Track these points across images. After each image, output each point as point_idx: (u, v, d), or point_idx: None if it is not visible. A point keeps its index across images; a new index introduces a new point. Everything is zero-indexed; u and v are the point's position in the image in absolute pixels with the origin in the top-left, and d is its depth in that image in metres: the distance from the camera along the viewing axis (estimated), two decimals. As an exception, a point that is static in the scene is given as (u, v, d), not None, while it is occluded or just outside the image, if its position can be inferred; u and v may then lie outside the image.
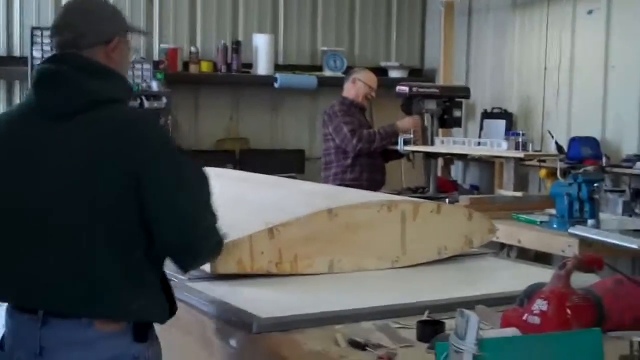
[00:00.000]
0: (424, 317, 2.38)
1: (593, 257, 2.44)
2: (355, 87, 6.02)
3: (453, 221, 3.24)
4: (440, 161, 6.54)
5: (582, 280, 2.44)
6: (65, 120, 2.23)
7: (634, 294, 2.36)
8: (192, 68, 6.97)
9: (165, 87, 6.55)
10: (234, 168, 6.30)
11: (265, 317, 2.35)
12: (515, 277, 2.84)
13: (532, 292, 2.32)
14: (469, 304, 2.38)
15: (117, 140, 2.20)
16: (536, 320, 2.21)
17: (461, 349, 1.84)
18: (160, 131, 2.37)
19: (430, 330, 2.18)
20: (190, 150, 6.77)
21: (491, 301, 2.50)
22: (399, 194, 5.57)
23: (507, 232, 4.75)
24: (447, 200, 5.18)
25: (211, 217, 2.34)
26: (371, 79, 6.13)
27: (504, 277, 3.00)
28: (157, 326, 2.34)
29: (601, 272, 2.42)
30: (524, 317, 2.24)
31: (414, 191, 6.10)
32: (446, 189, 6.17)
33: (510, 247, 4.96)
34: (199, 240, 2.32)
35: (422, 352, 2.09)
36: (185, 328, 2.65)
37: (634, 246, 3.89)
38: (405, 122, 6.04)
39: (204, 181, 2.33)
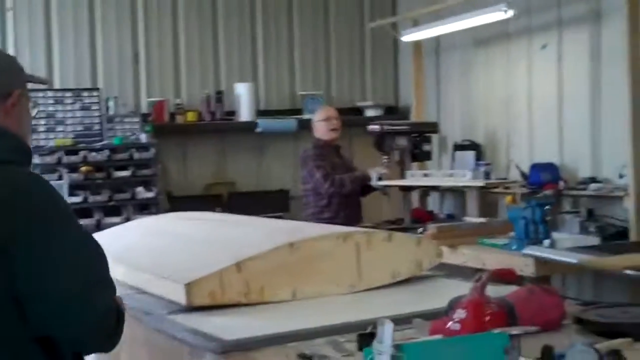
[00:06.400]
0: (367, 331, 2.77)
1: (505, 270, 2.85)
2: (318, 130, 6.35)
3: (403, 248, 3.62)
4: (416, 193, 6.93)
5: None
6: None
7: (543, 300, 2.75)
8: (179, 118, 7.38)
9: (153, 138, 6.95)
10: (223, 211, 6.65)
11: (228, 339, 2.74)
12: (458, 294, 3.22)
13: (454, 303, 2.72)
14: (409, 318, 2.78)
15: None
16: (457, 327, 2.59)
17: (381, 352, 2.24)
18: (42, 198, 2.03)
19: (368, 341, 2.56)
20: (180, 196, 7.19)
21: (430, 315, 2.85)
22: (377, 226, 5.95)
23: (472, 256, 5.12)
24: (420, 229, 5.57)
25: (99, 297, 2.05)
26: (323, 113, 6.39)
27: (448, 295, 3.38)
28: (140, 354, 2.54)
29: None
30: (447, 325, 2.63)
31: (392, 223, 6.46)
32: (422, 219, 6.53)
33: (479, 270, 5.31)
34: (75, 323, 2.01)
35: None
36: (166, 354, 3.04)
37: (574, 261, 4.28)
38: (379, 169, 6.41)
39: (89, 254, 2.07)
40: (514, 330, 2.28)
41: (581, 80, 6.04)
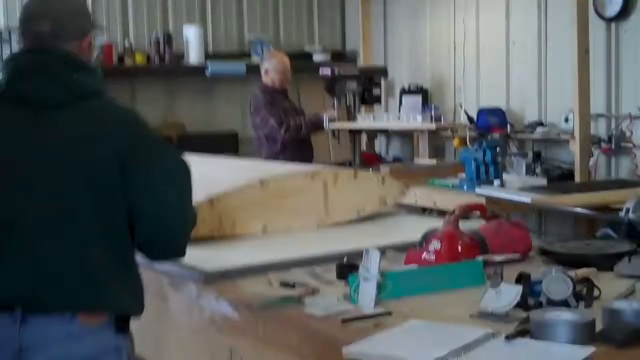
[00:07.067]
0: (343, 262, 2.88)
1: (476, 205, 2.98)
2: (270, 77, 6.32)
3: (368, 185, 3.75)
4: (364, 137, 7.04)
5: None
6: (51, 111, 2.19)
7: (511, 233, 2.90)
8: (127, 61, 7.33)
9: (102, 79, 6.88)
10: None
11: (210, 269, 2.83)
12: (420, 228, 3.31)
13: (428, 236, 2.85)
14: (381, 249, 2.89)
15: (107, 129, 2.20)
16: (432, 257, 2.73)
17: (367, 278, 2.35)
18: (144, 122, 2.32)
19: (347, 270, 2.67)
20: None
21: (399, 247, 2.98)
22: (328, 168, 6.05)
23: (424, 195, 5.27)
24: (370, 171, 5.69)
25: (192, 210, 2.37)
26: (281, 67, 6.34)
27: (411, 229, 3.47)
28: None
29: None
30: (422, 256, 2.76)
31: (341, 165, 6.56)
32: (370, 161, 6.65)
33: (430, 210, 5.46)
34: (174, 232, 2.31)
35: (339, 288, 2.55)
36: (145, 286, 3.11)
37: (526, 199, 4.45)
38: (331, 112, 6.50)
39: (188, 173, 2.33)
40: (496, 257, 2.43)
41: (528, 26, 6.17)
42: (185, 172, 2.32)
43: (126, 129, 2.24)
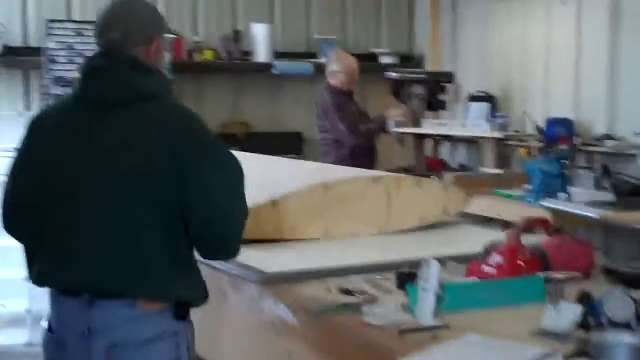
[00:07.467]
0: (405, 270, 2.87)
1: (539, 219, 2.94)
2: (338, 80, 6.17)
3: (431, 193, 3.73)
4: (429, 142, 7.01)
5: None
6: (114, 110, 2.37)
7: (574, 249, 2.85)
8: (196, 56, 7.42)
9: (171, 74, 6.98)
10: (237, 150, 6.72)
11: (270, 271, 2.84)
12: (482, 240, 3.28)
13: (489, 249, 2.82)
14: (442, 260, 2.87)
15: (163, 128, 2.37)
16: (493, 270, 2.71)
17: (425, 289, 2.34)
18: (201, 122, 2.47)
19: (406, 279, 2.66)
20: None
21: (461, 258, 2.96)
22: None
23: (488, 205, 5.19)
24: (433, 177, 5.65)
25: (243, 209, 2.46)
26: (349, 69, 6.21)
27: (473, 240, 3.46)
28: None
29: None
30: (483, 269, 2.73)
31: (405, 170, 6.53)
32: (435, 168, 6.63)
33: (494, 220, 5.39)
34: (225, 229, 2.43)
35: (398, 297, 2.54)
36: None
37: (593, 215, 4.38)
38: (396, 112, 6.43)
39: (240, 172, 2.45)
40: (557, 275, 2.39)
41: (600, 37, 6.06)
42: (235, 171, 2.44)
43: (180, 128, 2.39)
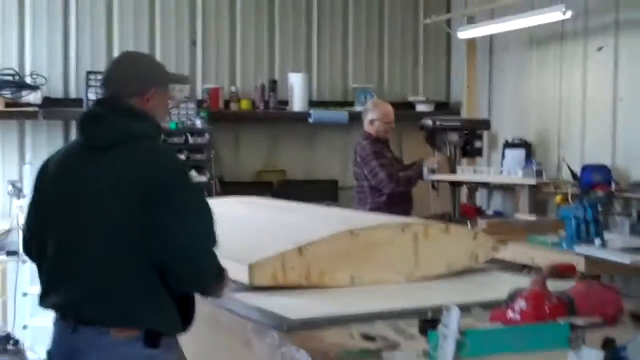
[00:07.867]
0: (428, 317, 2.84)
1: (565, 265, 2.91)
2: (374, 127, 6.22)
3: (460, 240, 3.70)
4: (465, 189, 6.98)
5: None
6: (106, 151, 2.66)
7: (602, 295, 2.81)
8: (233, 106, 7.50)
9: (208, 124, 7.07)
10: (273, 198, 6.75)
11: (294, 318, 2.83)
12: (511, 286, 3.26)
13: (515, 295, 2.79)
14: (467, 307, 2.85)
15: (140, 166, 2.63)
16: (517, 316, 2.67)
17: (446, 336, 2.32)
18: (175, 160, 2.81)
19: (429, 326, 2.64)
20: (231, 182, 7.31)
21: (487, 305, 2.93)
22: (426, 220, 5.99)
23: (521, 252, 5.16)
24: (468, 224, 5.62)
25: (210, 243, 2.65)
26: (386, 115, 6.26)
27: (501, 286, 3.43)
28: (203, 330, 2.76)
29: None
30: (508, 315, 2.70)
31: (440, 217, 6.51)
32: (470, 214, 6.58)
33: (529, 267, 5.34)
34: (188, 263, 2.63)
35: (420, 344, 2.52)
36: (229, 330, 3.15)
37: (626, 261, 4.31)
38: (432, 160, 6.43)
39: (207, 212, 2.66)
40: (578, 321, 2.36)
41: (637, 83, 6.03)
42: (200, 211, 2.65)
43: (150, 168, 2.63)
